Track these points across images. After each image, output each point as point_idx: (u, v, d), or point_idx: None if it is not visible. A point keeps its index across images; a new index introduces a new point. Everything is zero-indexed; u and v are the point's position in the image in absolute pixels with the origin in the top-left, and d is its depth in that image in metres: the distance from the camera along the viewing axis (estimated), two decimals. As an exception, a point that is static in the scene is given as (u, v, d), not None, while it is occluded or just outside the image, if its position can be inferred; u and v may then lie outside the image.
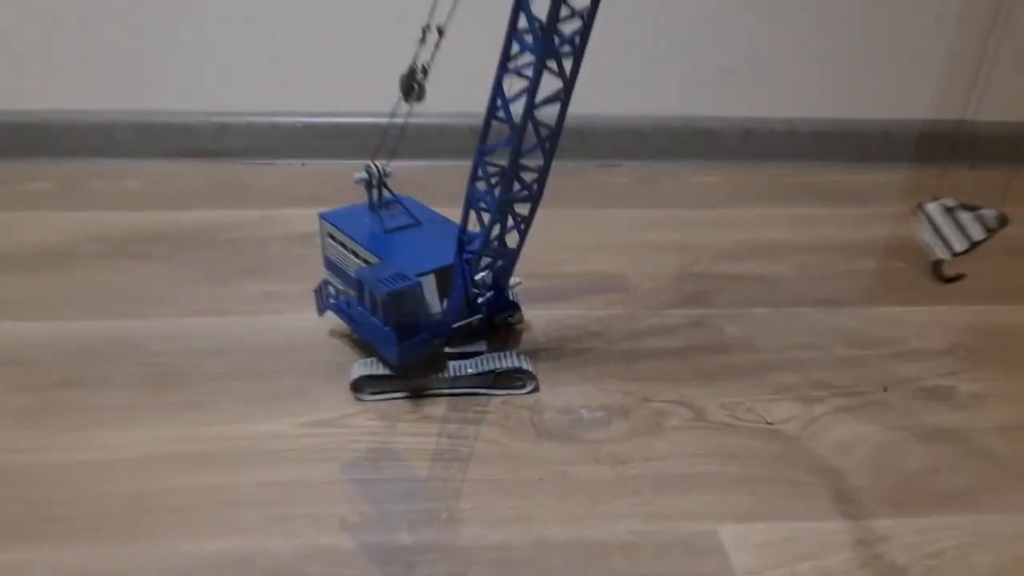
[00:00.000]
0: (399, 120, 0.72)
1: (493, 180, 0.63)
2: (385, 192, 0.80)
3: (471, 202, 0.65)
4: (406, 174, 0.82)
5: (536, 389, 0.76)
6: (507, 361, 0.74)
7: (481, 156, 0.62)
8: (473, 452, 0.68)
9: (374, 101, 0.77)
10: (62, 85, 1.21)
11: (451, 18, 0.63)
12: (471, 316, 0.74)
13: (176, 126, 1.24)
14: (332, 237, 0.78)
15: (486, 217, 0.65)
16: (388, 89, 0.71)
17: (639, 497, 0.65)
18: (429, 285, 0.72)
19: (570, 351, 0.83)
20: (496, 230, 0.65)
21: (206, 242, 1.01)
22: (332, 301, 0.79)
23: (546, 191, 0.64)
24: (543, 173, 0.62)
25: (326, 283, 0.80)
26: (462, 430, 0.71)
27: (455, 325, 0.73)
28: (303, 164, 1.23)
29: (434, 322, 0.72)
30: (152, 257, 0.97)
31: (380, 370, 0.73)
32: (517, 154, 0.59)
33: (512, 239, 0.68)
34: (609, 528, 0.61)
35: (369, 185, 0.79)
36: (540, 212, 0.66)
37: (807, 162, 1.34)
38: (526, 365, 0.74)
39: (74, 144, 1.23)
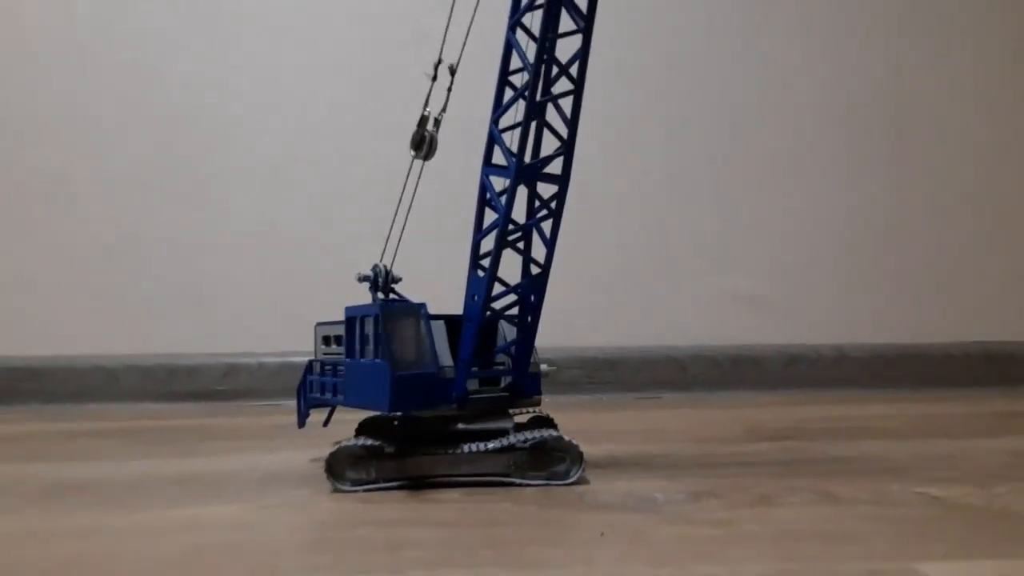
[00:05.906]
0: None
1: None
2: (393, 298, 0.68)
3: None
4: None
5: (582, 474, 0.53)
6: (542, 433, 0.54)
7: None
8: (493, 516, 0.45)
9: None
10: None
11: (462, 57, 0.62)
12: (490, 385, 0.57)
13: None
14: (326, 340, 0.65)
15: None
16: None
17: (778, 546, 0.40)
18: (439, 333, 0.56)
19: (625, 462, 0.61)
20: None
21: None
22: (315, 395, 0.62)
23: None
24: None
25: (307, 382, 0.64)
26: (476, 508, 0.48)
27: (472, 394, 0.55)
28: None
29: (442, 377, 0.55)
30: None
31: (367, 441, 0.53)
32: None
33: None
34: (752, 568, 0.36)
35: (375, 287, 0.68)
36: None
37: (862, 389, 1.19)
38: (568, 437, 0.54)
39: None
